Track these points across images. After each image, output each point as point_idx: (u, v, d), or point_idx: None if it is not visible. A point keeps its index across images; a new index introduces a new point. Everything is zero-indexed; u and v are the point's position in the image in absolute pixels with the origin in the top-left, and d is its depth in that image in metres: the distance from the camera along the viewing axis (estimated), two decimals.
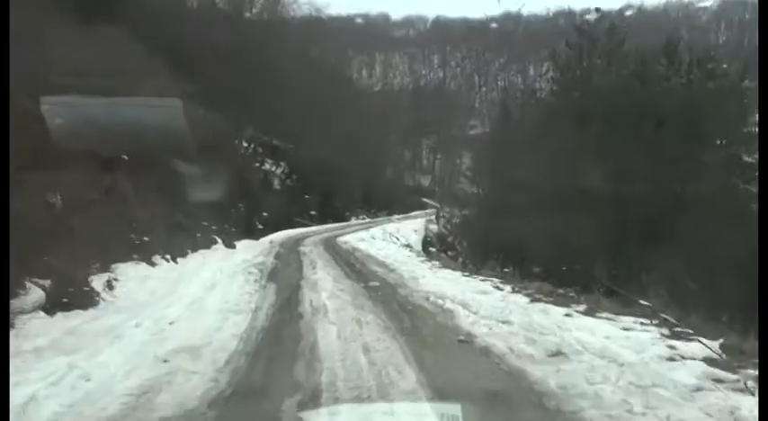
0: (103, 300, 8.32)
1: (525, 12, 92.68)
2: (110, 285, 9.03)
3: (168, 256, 12.62)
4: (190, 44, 29.78)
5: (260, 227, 27.99)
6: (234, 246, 19.33)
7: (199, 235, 17.16)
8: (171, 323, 6.55)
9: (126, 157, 13.78)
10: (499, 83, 79.96)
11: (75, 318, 6.94)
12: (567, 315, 6.48)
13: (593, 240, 18.63)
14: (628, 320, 6.16)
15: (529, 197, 21.97)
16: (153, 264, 11.52)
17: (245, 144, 33.94)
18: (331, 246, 18.24)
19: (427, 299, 7.98)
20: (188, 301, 7.91)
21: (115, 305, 8.25)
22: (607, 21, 18.92)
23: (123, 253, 10.95)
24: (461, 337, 5.73)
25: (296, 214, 32.85)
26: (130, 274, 10.01)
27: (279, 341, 5.75)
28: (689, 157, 17.69)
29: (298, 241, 21.18)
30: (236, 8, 36.14)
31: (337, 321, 6.52)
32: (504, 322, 6.23)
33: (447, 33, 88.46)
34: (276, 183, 34.60)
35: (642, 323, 6.12)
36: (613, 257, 17.37)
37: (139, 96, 12.26)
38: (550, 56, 20.63)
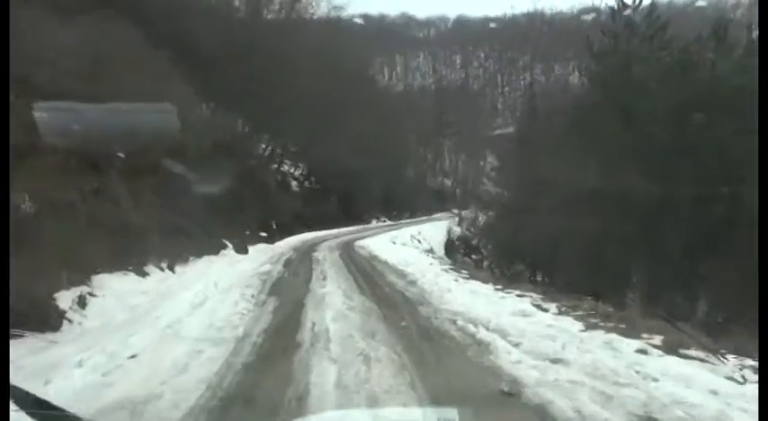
0: (69, 320, 6.96)
1: (549, 10, 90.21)
2: (82, 302, 7.67)
3: (165, 265, 11.28)
4: (206, 45, 28.68)
5: (276, 230, 26.72)
6: (246, 251, 18.00)
7: (206, 240, 15.83)
8: (132, 356, 5.13)
9: (122, 156, 12.58)
10: (522, 82, 77.75)
11: (19, 348, 5.58)
12: (641, 351, 4.85)
13: (634, 248, 16.87)
14: (726, 366, 4.51)
15: (559, 198, 20.23)
16: (144, 275, 10.18)
17: (263, 145, 32.77)
18: (347, 252, 16.76)
19: (455, 322, 6.41)
20: (165, 323, 6.49)
21: (81, 328, 6.88)
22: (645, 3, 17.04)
23: (109, 262, 9.63)
24: (504, 387, 4.16)
25: (314, 217, 31.47)
26: (113, 287, 8.66)
27: (256, 392, 4.25)
28: (744, 154, 15.77)
29: (313, 245, 19.77)
30: (254, 8, 34.95)
31: (340, 357, 5.01)
32: (558, 362, 4.65)
33: (469, 33, 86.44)
34: (294, 185, 33.34)
35: (743, 366, 4.49)
36: (657, 268, 15.56)
37: (149, 100, 11.44)
38: (585, 44, 18.78)
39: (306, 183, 34.54)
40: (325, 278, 10.58)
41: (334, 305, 7.65)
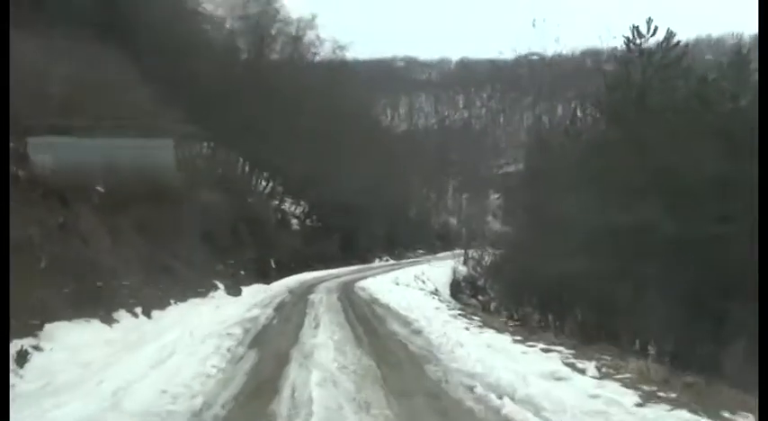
0: None
1: (550, 52, 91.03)
2: (21, 358, 6.35)
3: (140, 310, 9.94)
4: (207, 83, 28.19)
5: (275, 269, 25.36)
6: (239, 293, 16.64)
7: (195, 281, 14.51)
8: None
9: (101, 190, 11.45)
10: (526, 121, 77.53)
11: None
12: None
13: (653, 289, 15.46)
14: None
15: (571, 236, 18.93)
16: (112, 322, 8.84)
17: (263, 183, 31.79)
18: (346, 294, 15.39)
19: (471, 389, 5.04)
20: (111, 389, 5.14)
21: (12, 392, 5.54)
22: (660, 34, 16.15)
23: (70, 308, 8.32)
24: None
25: (315, 256, 30.15)
26: (67, 339, 7.33)
27: None
28: None
29: (311, 287, 18.39)
30: (257, 48, 34.62)
31: None
32: None
33: (472, 74, 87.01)
34: (295, 223, 32.17)
35: None
36: (686, 318, 14.10)
37: (146, 136, 10.49)
38: (588, 83, 17.89)
39: (307, 221, 33.38)
40: (318, 325, 9.20)
41: (323, 362, 6.29)
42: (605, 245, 16.30)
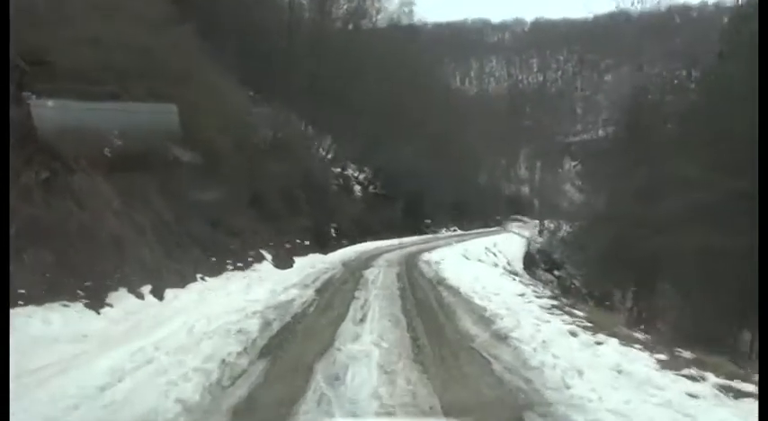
0: None
1: (636, 8, 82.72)
2: None
3: (147, 289, 7.84)
4: (271, 43, 26.21)
5: (335, 238, 23.25)
6: (289, 265, 14.54)
7: (234, 251, 12.45)
8: None
9: (108, 154, 9.38)
10: (606, 85, 70.80)
11: None
12: None
13: None
14: None
15: (683, 207, 15.36)
16: (102, 307, 6.75)
17: (326, 146, 29.55)
18: (409, 270, 12.86)
19: None
20: None
21: None
22: None
23: (43, 288, 6.32)
24: None
25: (378, 224, 27.77)
26: (20, 335, 5.26)
27: None
28: None
29: (369, 259, 16.02)
30: (321, 8, 32.07)
31: None
32: None
33: (547, 36, 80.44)
34: (358, 190, 29.82)
35: None
36: None
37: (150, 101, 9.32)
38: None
39: (370, 187, 30.94)
40: (363, 318, 6.71)
41: (357, 398, 3.79)
42: (732, 215, 12.79)
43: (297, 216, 19.27)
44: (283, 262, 14.73)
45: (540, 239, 32.94)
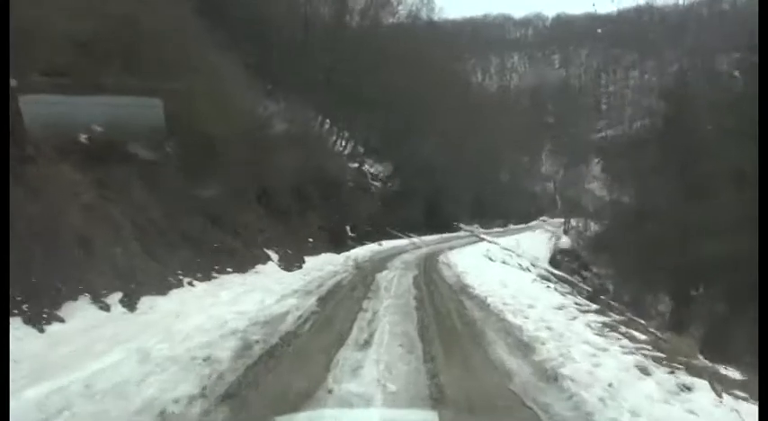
0: None
1: (660, 2, 79.88)
2: None
3: (117, 297, 6.53)
4: (284, 35, 25.03)
5: (351, 237, 21.91)
6: (299, 265, 13.24)
7: (236, 251, 11.13)
8: None
9: (85, 141, 8.15)
10: (632, 81, 68.19)
11: None
12: None
13: None
14: None
15: (731, 206, 13.63)
16: (49, 322, 5.44)
17: (343, 142, 28.20)
18: (427, 274, 11.42)
19: None
20: None
21: None
22: None
23: None
24: None
25: (396, 222, 26.35)
26: None
27: None
28: None
29: (384, 260, 14.63)
30: (339, 11, 30.74)
31: None
32: None
33: (569, 31, 77.83)
34: (375, 187, 28.42)
35: None
36: None
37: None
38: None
39: (389, 183, 29.52)
40: (368, 341, 5.29)
41: None
42: None
43: (309, 213, 17.97)
44: (291, 262, 13.40)
45: (564, 239, 31.14)
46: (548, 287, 10.64)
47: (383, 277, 10.51)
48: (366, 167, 29.25)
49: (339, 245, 19.31)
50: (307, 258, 14.63)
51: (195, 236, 9.76)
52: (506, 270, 13.31)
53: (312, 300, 7.57)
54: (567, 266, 25.31)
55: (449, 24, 61.18)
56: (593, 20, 79.52)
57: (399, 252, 17.43)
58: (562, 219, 37.10)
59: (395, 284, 9.47)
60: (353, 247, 19.68)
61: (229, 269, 10.25)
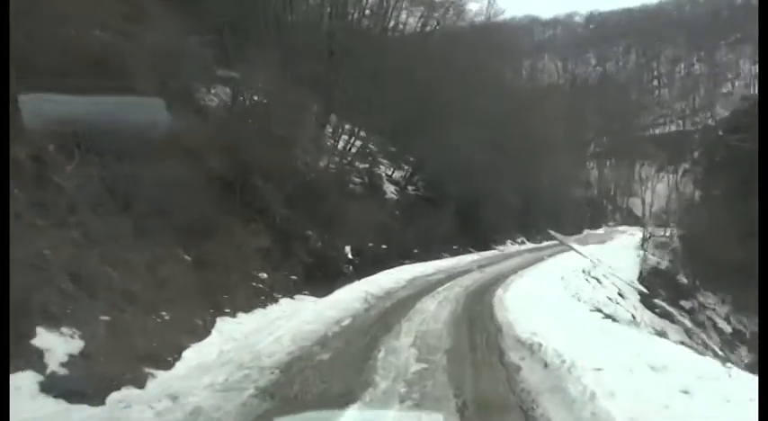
0: None
1: None
2: None
3: None
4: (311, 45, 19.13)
5: (351, 264, 14.71)
6: (178, 356, 6.20)
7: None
8: None
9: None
10: (679, 74, 59.59)
11: None
12: None
13: None
14: None
15: None
16: None
17: (347, 138, 21.17)
18: (476, 350, 4.18)
19: None
20: None
21: None
22: None
23: None
24: None
25: (420, 238, 19.03)
26: None
27: None
28: None
29: (399, 307, 7.39)
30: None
31: None
32: None
33: (603, 28, 70.04)
34: (391, 191, 21.12)
35: None
36: None
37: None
38: None
39: (409, 189, 22.29)
40: None
41: None
42: None
43: (263, 234, 10.79)
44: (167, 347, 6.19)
45: (640, 252, 23.14)
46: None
47: (376, 378, 3.32)
48: (381, 169, 22.11)
49: (330, 277, 11.92)
50: (241, 316, 7.55)
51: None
52: (625, 334, 5.93)
53: None
54: (658, 291, 17.48)
55: (478, 28, 54.36)
56: (629, 14, 71.59)
57: (421, 290, 9.99)
58: (625, 227, 29.15)
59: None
60: (354, 279, 12.20)
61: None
